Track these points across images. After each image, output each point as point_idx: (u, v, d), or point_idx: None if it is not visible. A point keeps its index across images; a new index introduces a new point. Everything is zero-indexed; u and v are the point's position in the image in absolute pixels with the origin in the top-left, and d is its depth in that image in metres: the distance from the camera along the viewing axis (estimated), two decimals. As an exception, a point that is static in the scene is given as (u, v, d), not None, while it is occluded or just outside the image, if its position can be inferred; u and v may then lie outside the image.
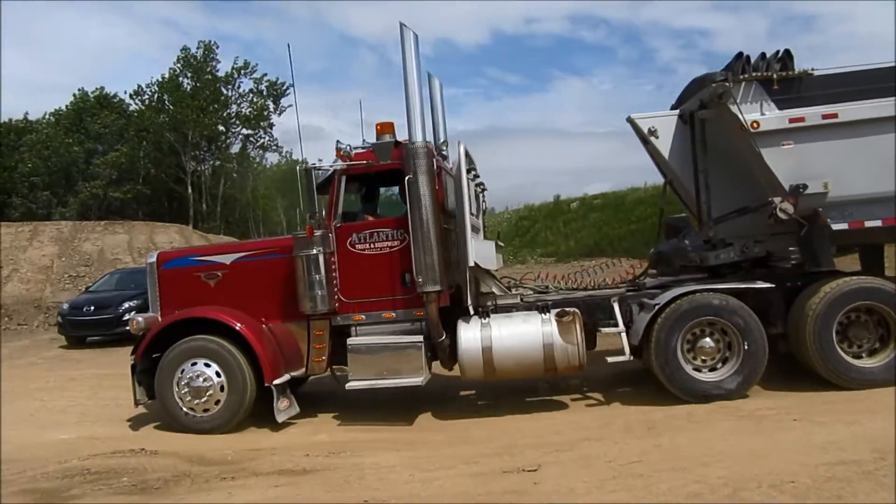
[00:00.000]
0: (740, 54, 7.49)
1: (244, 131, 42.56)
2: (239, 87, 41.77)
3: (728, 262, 7.91)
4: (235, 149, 43.49)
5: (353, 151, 7.77)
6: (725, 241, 7.95)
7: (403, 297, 7.66)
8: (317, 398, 8.88)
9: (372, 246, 7.78)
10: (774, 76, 7.35)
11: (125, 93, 43.36)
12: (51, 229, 28.00)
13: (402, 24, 7.34)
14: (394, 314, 7.76)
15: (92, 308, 16.78)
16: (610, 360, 7.62)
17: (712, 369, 7.42)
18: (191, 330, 7.66)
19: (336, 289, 7.73)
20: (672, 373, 7.31)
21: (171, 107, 40.47)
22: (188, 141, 39.44)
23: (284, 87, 40.89)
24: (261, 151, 46.58)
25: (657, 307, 7.39)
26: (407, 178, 7.36)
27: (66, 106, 44.72)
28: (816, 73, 7.46)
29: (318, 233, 7.65)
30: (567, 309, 7.52)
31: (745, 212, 7.86)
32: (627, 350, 7.50)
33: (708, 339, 7.42)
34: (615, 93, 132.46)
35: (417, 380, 7.45)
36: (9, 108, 69.93)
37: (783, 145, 7.37)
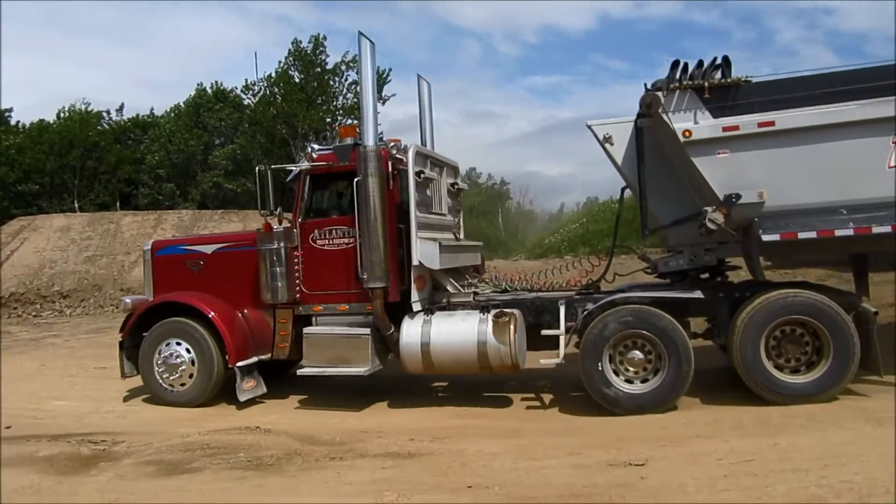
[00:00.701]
0: (676, 62, 7.27)
1: (349, 122, 43.57)
2: (346, 79, 42.73)
3: (678, 270, 7.80)
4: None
5: (317, 153, 8.24)
6: (676, 248, 7.89)
7: (356, 292, 8.01)
8: (428, 384, 9.02)
9: (331, 242, 8.20)
10: (707, 84, 7.11)
11: (238, 88, 45.36)
12: (173, 218, 29.79)
13: (360, 33, 7.84)
14: (347, 307, 8.15)
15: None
16: (543, 361, 7.61)
17: (644, 381, 7.23)
18: (175, 312, 8.38)
19: (299, 281, 8.26)
20: (595, 386, 7.25)
21: (282, 100, 41.91)
22: (298, 133, 40.81)
23: (386, 76, 41.57)
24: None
25: (585, 313, 7.46)
26: (356, 179, 7.77)
27: (186, 102, 47.29)
28: (755, 80, 7.20)
29: (278, 228, 8.27)
30: (506, 310, 7.61)
31: (679, 222, 7.61)
32: (562, 353, 7.45)
33: (637, 351, 7.26)
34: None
35: (362, 369, 7.85)
36: (136, 105, 74.73)
37: (718, 154, 7.11)
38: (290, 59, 43.00)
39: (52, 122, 41.99)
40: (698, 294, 7.49)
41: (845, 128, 6.86)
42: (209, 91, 46.86)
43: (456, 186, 9.60)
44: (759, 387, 7.04)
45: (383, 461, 5.86)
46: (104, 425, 7.48)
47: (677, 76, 7.21)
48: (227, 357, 8.10)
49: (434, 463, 5.80)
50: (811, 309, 6.98)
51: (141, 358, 8.42)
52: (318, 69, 43.03)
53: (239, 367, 8.06)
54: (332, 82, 42.92)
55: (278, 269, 8.16)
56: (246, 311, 8.49)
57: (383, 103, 42.36)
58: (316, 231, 8.27)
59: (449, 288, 8.38)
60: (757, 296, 7.16)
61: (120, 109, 48.99)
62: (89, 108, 44.05)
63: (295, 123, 40.69)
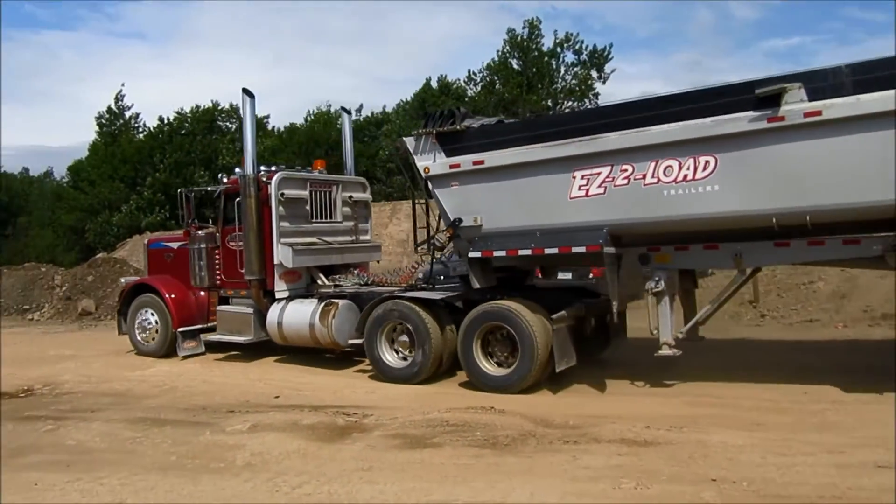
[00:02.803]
0: (426, 114, 9.23)
1: (568, 104, 43.10)
2: (563, 60, 42.38)
3: (462, 274, 9.41)
4: (562, 123, 44.42)
5: (227, 179, 11.20)
6: (441, 258, 9.93)
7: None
8: (671, 365, 8.69)
9: (236, 244, 10.77)
10: (438, 131, 8.66)
11: (461, 79, 46.94)
12: (406, 207, 31.63)
13: (243, 90, 10.43)
14: (244, 292, 10.79)
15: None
16: (351, 341, 9.66)
17: (404, 359, 9.10)
18: (149, 289, 11.66)
19: (219, 271, 11.22)
20: (372, 356, 9.29)
21: (501, 87, 42.62)
22: (519, 118, 41.34)
23: (606, 53, 40.52)
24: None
25: (368, 307, 9.35)
26: (236, 199, 10.52)
27: (412, 97, 49.97)
28: (476, 125, 8.71)
29: (201, 233, 11.44)
30: (332, 300, 9.92)
31: (427, 240, 9.68)
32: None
33: (404, 335, 9.06)
34: None
35: (247, 338, 10.66)
36: (372, 104, 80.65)
37: (451, 186, 8.73)
38: (507, 46, 43.67)
39: (300, 124, 46.74)
40: (438, 296, 9.13)
41: (536, 166, 8.16)
42: (434, 85, 49.04)
43: (352, 198, 11.69)
44: (471, 376, 8.60)
45: (619, 447, 5.76)
46: (355, 399, 8.17)
47: (424, 125, 8.91)
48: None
49: (673, 452, 5.58)
50: (501, 316, 8.31)
51: (127, 321, 11.88)
52: (535, 53, 43.16)
53: (180, 332, 11.20)
54: (551, 65, 42.84)
55: (202, 262, 11.31)
56: (197, 291, 11.52)
57: (604, 82, 41.56)
58: (228, 235, 10.99)
59: (318, 281, 10.76)
60: (480, 303, 8.63)
61: (359, 109, 53.16)
62: (333, 110, 48.27)
63: (515, 110, 41.23)
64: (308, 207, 10.90)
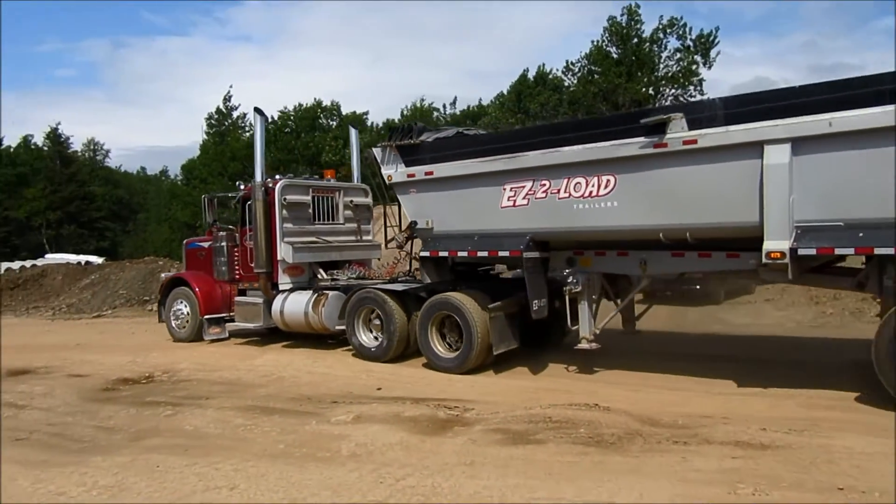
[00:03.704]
0: (390, 128, 10.26)
1: (672, 91, 41.63)
2: (664, 46, 40.97)
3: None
4: (663, 111, 42.92)
5: (244, 186, 12.51)
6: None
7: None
8: (772, 371, 8.25)
9: (250, 242, 12.15)
10: (394, 143, 9.90)
11: (557, 70, 46.28)
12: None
13: (255, 109, 12.19)
14: (256, 284, 12.15)
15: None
16: (337, 327, 11.04)
17: (376, 339, 10.50)
18: (183, 283, 13.24)
19: (238, 266, 12.71)
20: (351, 338, 10.78)
21: (600, 77, 41.68)
22: (619, 108, 40.26)
23: (712, 38, 38.85)
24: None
25: (347, 296, 10.85)
26: (246, 204, 12.16)
27: (508, 89, 49.69)
28: (431, 139, 9.79)
29: (222, 233, 12.96)
30: (324, 292, 11.28)
31: (391, 238, 11.07)
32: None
33: (377, 320, 10.42)
34: None
35: (256, 325, 12.26)
36: (467, 97, 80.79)
37: (411, 192, 9.92)
38: (606, 34, 42.66)
39: (397, 120, 47.40)
40: (402, 287, 10.39)
41: (474, 178, 9.26)
42: (530, 76, 48.57)
43: (353, 203, 13.09)
44: (426, 357, 9.81)
45: (732, 450, 5.47)
46: (455, 393, 8.18)
47: (388, 138, 10.18)
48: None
49: (793, 457, 5.25)
50: (449, 305, 9.47)
51: (165, 311, 13.48)
52: (635, 40, 41.94)
53: (206, 319, 12.67)
54: (651, 51, 41.51)
55: (223, 258, 12.85)
56: (221, 285, 12.93)
57: (709, 67, 39.88)
58: (246, 235, 12.35)
59: (318, 275, 12.14)
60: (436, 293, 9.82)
61: (453, 103, 53.45)
62: (426, 104, 48.73)
63: (615, 99, 40.26)
64: (310, 210, 12.41)
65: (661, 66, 41.42)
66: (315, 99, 51.72)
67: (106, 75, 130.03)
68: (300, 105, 51.00)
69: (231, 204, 13.46)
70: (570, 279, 8.87)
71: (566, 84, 45.70)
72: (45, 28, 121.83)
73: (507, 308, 9.30)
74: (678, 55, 40.69)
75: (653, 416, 6.49)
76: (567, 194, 8.53)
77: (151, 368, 10.44)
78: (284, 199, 11.92)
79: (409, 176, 9.95)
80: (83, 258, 37.18)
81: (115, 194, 65.15)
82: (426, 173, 9.76)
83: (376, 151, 10.35)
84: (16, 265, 34.98)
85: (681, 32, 40.32)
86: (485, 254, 9.42)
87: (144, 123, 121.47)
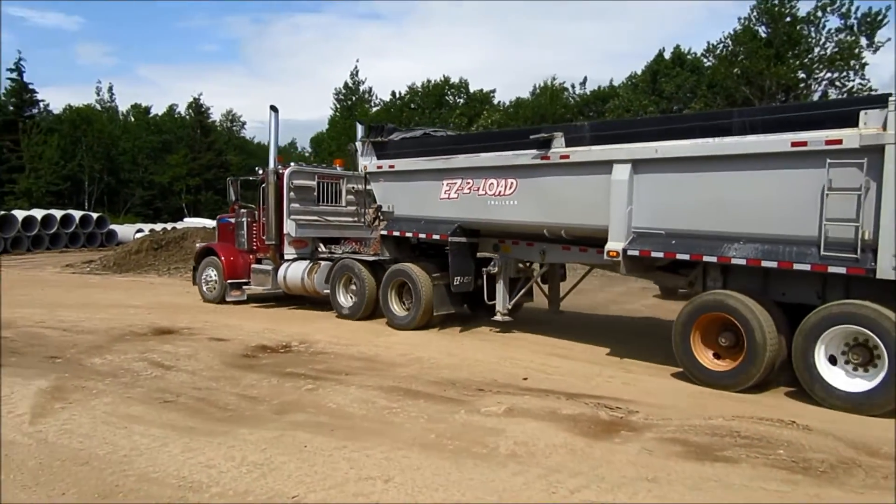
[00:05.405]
0: (369, 126, 12.39)
1: (827, 76, 38.21)
2: (823, 26, 37.54)
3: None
4: (815, 96, 39.51)
5: (261, 170, 14.29)
6: None
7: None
8: None
9: (264, 218, 13.98)
10: (368, 140, 12.10)
11: (694, 50, 43.65)
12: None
13: (270, 107, 13.87)
14: (268, 255, 14.01)
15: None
16: (325, 291, 12.92)
17: (351, 299, 12.57)
18: (212, 252, 15.00)
19: (256, 238, 14.41)
20: (332, 300, 12.79)
21: (745, 58, 38.85)
22: (764, 92, 37.45)
23: (881, 17, 35.20)
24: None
25: (331, 264, 12.94)
26: (262, 186, 14.06)
27: (643, 69, 47.44)
28: (398, 138, 11.89)
29: (243, 210, 14.76)
30: (318, 261, 13.25)
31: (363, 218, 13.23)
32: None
33: (353, 285, 12.51)
34: None
35: (265, 288, 14.04)
36: (597, 78, 78.57)
37: (380, 181, 12.08)
38: (755, 13, 39.65)
39: (525, 98, 46.40)
40: (371, 258, 12.49)
41: (422, 173, 11.23)
42: (666, 56, 46.15)
43: (355, 189, 14.44)
44: (386, 316, 11.71)
45: None
46: (611, 391, 7.44)
47: (366, 134, 12.14)
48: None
49: None
50: (403, 273, 11.37)
51: (197, 275, 15.25)
52: (788, 19, 38.71)
53: (229, 283, 14.44)
54: (805, 31, 38.19)
55: (243, 232, 14.58)
56: (244, 255, 14.60)
57: (875, 51, 36.22)
58: (262, 211, 14.18)
59: (318, 248, 13.98)
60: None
61: (583, 83, 51.75)
62: (557, 83, 47.38)
63: (760, 82, 37.43)
64: (315, 193, 14.30)
65: (818, 47, 38.00)
66: (443, 76, 51.59)
67: (245, 50, 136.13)
68: (428, 81, 51.01)
69: (257, 186, 14.87)
70: (490, 263, 10.86)
71: (706, 65, 43.03)
72: (195, 5, 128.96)
73: (446, 279, 10.97)
74: (839, 36, 37.17)
75: (868, 443, 5.48)
76: (484, 192, 10.32)
77: (288, 338, 10.34)
78: (292, 184, 13.85)
79: (377, 167, 11.93)
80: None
81: (249, 164, 68.02)
82: (389, 166, 11.73)
83: (358, 145, 12.36)
84: (158, 227, 37.09)
85: (844, 10, 36.73)
86: (423, 236, 11.30)
87: (278, 98, 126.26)
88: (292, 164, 14.37)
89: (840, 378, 6.79)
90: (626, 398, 7.06)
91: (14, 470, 5.01)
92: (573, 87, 51.50)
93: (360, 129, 12.86)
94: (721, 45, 41.20)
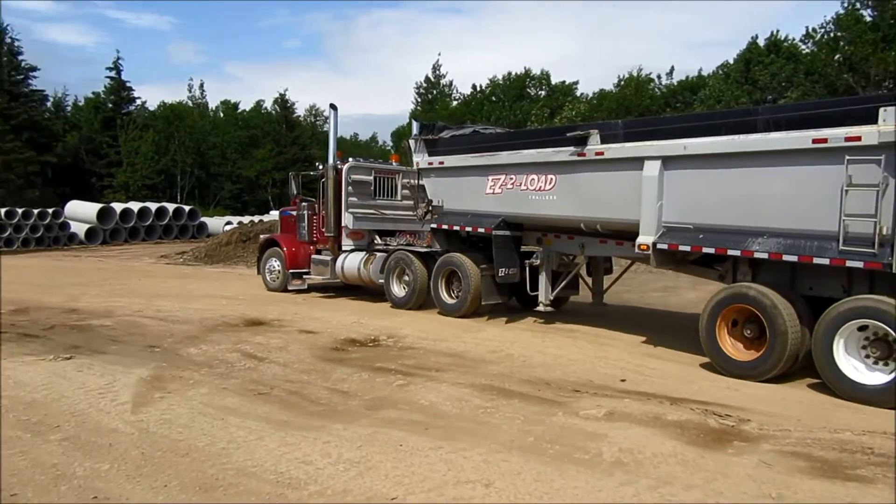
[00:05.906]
0: (421, 125, 12.75)
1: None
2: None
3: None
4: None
5: (321, 166, 14.91)
6: None
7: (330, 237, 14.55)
8: None
9: (324, 211, 14.61)
10: (421, 138, 12.50)
11: (792, 37, 41.46)
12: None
13: (330, 105, 14.87)
14: (328, 246, 14.65)
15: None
16: (380, 280, 13.58)
17: (404, 289, 13.03)
18: (275, 244, 15.86)
19: (316, 231, 15.06)
20: (386, 290, 13.28)
21: (848, 44, 36.61)
22: (870, 80, 35.19)
23: None
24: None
25: (385, 256, 13.46)
26: (322, 181, 14.64)
27: (735, 58, 45.51)
28: (448, 136, 12.40)
29: (304, 204, 15.38)
30: (374, 253, 13.85)
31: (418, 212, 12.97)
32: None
33: (406, 275, 12.93)
34: None
35: (323, 277, 14.73)
36: (684, 67, 76.10)
37: (431, 176, 12.46)
38: (861, -2, 37.24)
39: (609, 90, 45.27)
40: (423, 249, 12.91)
41: (469, 169, 11.70)
42: (760, 44, 44.10)
43: (410, 183, 14.02)
44: (436, 303, 12.31)
45: None
46: (716, 396, 7.00)
47: (418, 132, 12.66)
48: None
49: None
50: (453, 263, 11.90)
51: (261, 265, 16.09)
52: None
53: (291, 272, 15.20)
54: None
55: (304, 224, 15.26)
56: (305, 246, 15.31)
57: None
58: (322, 205, 14.72)
59: (374, 240, 14.45)
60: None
61: (670, 73, 50.12)
62: (643, 74, 46.01)
63: (866, 69, 35.19)
64: (372, 188, 14.68)
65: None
66: (524, 68, 51.01)
67: (327, 46, 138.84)
68: (509, 74, 50.55)
69: (317, 181, 15.40)
70: (533, 255, 11.25)
71: (804, 52, 40.84)
72: (278, 3, 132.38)
73: (493, 270, 11.23)
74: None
75: None
76: (525, 187, 10.66)
77: (376, 332, 10.30)
78: (350, 178, 14.33)
79: (429, 164, 12.38)
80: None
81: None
82: (440, 162, 12.20)
83: (412, 142, 12.77)
84: (246, 220, 38.19)
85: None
86: (470, 229, 11.67)
87: (358, 93, 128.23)
88: (350, 159, 14.84)
89: (860, 371, 6.92)
90: (734, 405, 6.62)
91: (118, 459, 5.06)
92: (659, 77, 49.98)
93: (414, 127, 13.04)
94: (822, 31, 39.05)
